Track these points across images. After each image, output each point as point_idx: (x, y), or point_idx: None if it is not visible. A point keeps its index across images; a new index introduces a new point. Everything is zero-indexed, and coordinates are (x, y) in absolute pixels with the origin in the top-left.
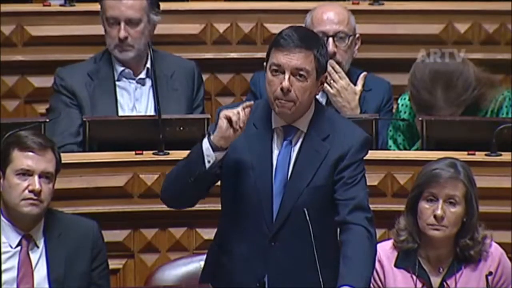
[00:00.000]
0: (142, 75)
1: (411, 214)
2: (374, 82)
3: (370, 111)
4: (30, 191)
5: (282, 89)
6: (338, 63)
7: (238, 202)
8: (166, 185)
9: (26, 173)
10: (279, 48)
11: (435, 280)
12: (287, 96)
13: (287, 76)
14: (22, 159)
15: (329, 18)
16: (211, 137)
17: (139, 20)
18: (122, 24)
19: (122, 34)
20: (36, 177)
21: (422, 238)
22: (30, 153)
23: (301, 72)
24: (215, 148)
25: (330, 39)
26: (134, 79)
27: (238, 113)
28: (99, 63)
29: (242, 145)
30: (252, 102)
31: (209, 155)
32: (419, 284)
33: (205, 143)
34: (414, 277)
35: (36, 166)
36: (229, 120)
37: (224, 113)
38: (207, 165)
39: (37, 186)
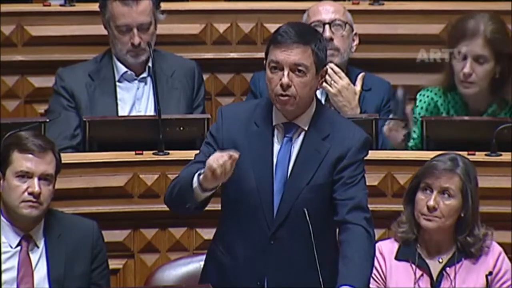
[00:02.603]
0: (144, 74)
1: (409, 205)
2: (374, 81)
3: (370, 111)
4: (29, 194)
5: (281, 85)
6: (337, 50)
7: (239, 200)
8: (167, 196)
9: (25, 175)
10: (276, 45)
11: (435, 269)
12: (287, 91)
13: (286, 72)
14: (22, 161)
15: (325, 8)
16: (200, 177)
17: (150, 24)
18: (135, 31)
19: (137, 40)
20: (35, 179)
21: (420, 230)
22: (30, 155)
23: (300, 68)
24: (203, 189)
25: (327, 26)
26: (136, 79)
27: (223, 164)
28: (100, 64)
29: (243, 142)
30: (237, 156)
31: (198, 193)
32: (419, 273)
33: (195, 181)
34: (414, 267)
35: (36, 168)
36: (214, 172)
37: (210, 163)
38: (197, 200)
39: (36, 189)
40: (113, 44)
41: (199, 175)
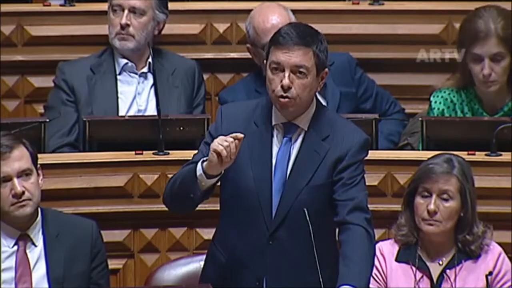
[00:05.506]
0: (145, 70)
1: (408, 209)
2: (333, 56)
3: (339, 84)
4: (13, 196)
5: (282, 86)
6: None
7: (237, 200)
8: (167, 192)
9: (4, 179)
10: (278, 46)
11: (435, 271)
12: (288, 93)
13: (287, 73)
14: None
15: (272, 23)
16: (204, 164)
17: (144, 12)
18: (126, 12)
19: (124, 20)
20: (15, 180)
21: (420, 233)
22: (2, 161)
23: (301, 69)
24: (207, 176)
25: None
26: (136, 73)
27: (228, 145)
28: (101, 58)
29: (242, 143)
30: (242, 136)
31: (203, 181)
32: (419, 275)
33: (199, 169)
34: (414, 269)
35: (10, 170)
36: (219, 154)
37: (214, 147)
38: (201, 188)
39: (18, 189)
40: (110, 33)
41: (203, 162)
